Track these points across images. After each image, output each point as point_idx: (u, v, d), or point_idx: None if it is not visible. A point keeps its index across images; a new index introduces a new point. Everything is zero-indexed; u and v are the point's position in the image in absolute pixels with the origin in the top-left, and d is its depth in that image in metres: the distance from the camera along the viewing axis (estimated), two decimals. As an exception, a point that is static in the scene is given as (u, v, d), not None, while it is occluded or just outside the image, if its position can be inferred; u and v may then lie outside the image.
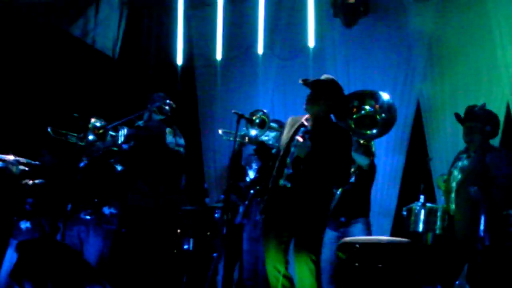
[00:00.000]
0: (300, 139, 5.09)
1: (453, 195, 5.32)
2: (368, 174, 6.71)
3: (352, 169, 6.48)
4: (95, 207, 6.42)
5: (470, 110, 5.58)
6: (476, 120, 5.41)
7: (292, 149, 5.14)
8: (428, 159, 6.09)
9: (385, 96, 6.93)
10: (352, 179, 6.56)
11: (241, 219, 6.22)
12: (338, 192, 6.43)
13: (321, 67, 9.01)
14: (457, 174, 5.38)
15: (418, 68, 8.68)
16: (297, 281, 4.99)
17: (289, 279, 5.04)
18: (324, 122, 5.28)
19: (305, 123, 5.29)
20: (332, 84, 5.33)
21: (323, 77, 5.45)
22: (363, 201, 6.74)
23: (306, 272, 4.91)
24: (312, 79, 5.37)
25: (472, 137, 5.44)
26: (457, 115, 5.66)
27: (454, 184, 5.37)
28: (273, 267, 5.05)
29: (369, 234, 6.69)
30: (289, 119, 5.52)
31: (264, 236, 5.20)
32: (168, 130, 6.33)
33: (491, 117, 5.46)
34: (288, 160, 5.13)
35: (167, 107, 6.31)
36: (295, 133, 5.25)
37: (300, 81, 5.33)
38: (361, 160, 6.52)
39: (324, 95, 5.24)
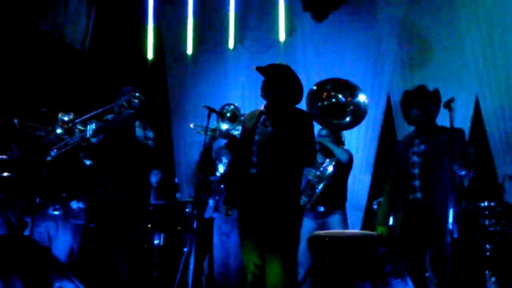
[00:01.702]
0: (262, 126, 5.09)
1: (417, 182, 5.28)
2: (346, 166, 6.74)
3: (333, 163, 6.55)
4: (63, 202, 6.37)
5: (423, 89, 5.52)
6: (429, 99, 5.37)
7: (256, 137, 5.13)
8: None
9: (362, 97, 6.96)
10: (331, 171, 6.57)
11: (211, 213, 6.20)
12: (320, 187, 6.46)
13: (291, 61, 8.92)
14: (417, 160, 5.33)
15: (388, 61, 8.74)
16: (268, 277, 4.97)
17: (261, 269, 5.02)
18: (282, 106, 5.26)
19: (264, 111, 5.27)
20: (285, 68, 5.31)
21: (276, 62, 5.43)
22: (341, 192, 6.77)
23: (277, 271, 4.89)
24: (265, 65, 5.35)
25: (425, 117, 5.37)
26: (407, 94, 5.57)
27: (416, 171, 5.31)
28: (248, 257, 5.04)
29: (346, 226, 6.76)
30: (246, 115, 5.52)
31: (239, 226, 5.19)
32: (137, 123, 6.27)
33: (436, 96, 5.42)
34: (254, 148, 5.10)
35: (136, 101, 6.24)
36: (257, 122, 5.22)
37: (254, 68, 5.30)
38: (340, 154, 6.54)
39: (278, 79, 5.22)
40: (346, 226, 6.71)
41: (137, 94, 6.25)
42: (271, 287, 4.86)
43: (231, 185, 5.37)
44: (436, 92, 5.42)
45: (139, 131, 6.25)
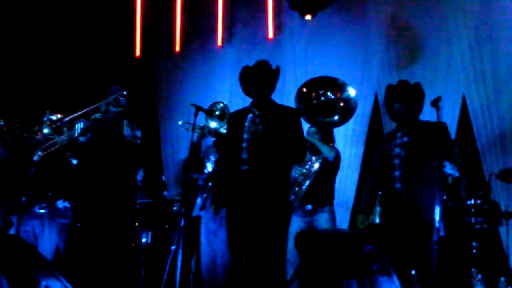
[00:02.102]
0: (252, 125, 5.11)
1: (397, 173, 5.29)
2: (333, 164, 6.76)
3: (319, 160, 6.55)
4: (49, 201, 6.35)
5: (406, 84, 5.54)
6: (410, 94, 5.39)
7: (245, 135, 5.16)
8: None
9: (351, 91, 6.99)
10: (317, 168, 6.58)
11: (199, 211, 6.20)
12: (307, 183, 6.48)
13: (280, 59, 9.02)
14: (399, 151, 5.34)
15: (376, 60, 8.75)
16: (257, 275, 4.99)
17: (250, 267, 5.03)
18: (269, 103, 5.34)
19: (251, 109, 5.31)
20: (263, 65, 5.40)
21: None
22: (329, 190, 6.79)
23: (265, 269, 4.92)
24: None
25: (407, 111, 5.39)
26: (389, 89, 5.60)
27: (397, 161, 5.32)
28: (237, 255, 5.07)
29: (334, 223, 6.79)
30: (230, 116, 5.62)
31: (228, 224, 5.21)
32: (125, 122, 6.27)
33: (417, 90, 5.45)
34: (244, 145, 5.15)
35: (123, 99, 6.24)
36: (245, 120, 5.26)
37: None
38: (327, 152, 6.55)
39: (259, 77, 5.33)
40: (334, 224, 6.74)
41: (124, 93, 6.24)
42: (260, 285, 4.88)
43: (219, 183, 5.37)
44: (417, 86, 5.44)
45: (127, 130, 6.25)
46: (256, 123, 5.12)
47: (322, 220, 6.61)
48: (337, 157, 6.78)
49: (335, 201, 7.68)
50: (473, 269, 6.84)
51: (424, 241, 4.83)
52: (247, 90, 5.44)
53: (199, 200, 6.24)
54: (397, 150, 5.31)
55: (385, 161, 5.38)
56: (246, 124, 5.22)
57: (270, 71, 5.41)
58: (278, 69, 5.41)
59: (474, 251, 7.02)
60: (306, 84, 6.94)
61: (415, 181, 5.13)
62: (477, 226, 6.93)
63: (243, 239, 5.08)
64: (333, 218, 6.81)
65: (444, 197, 6.81)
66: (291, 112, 5.41)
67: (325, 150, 6.58)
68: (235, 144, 5.22)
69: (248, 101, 5.56)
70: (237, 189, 5.13)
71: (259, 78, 5.34)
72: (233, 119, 5.46)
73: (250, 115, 5.26)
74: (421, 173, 5.15)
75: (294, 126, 5.31)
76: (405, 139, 5.31)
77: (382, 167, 5.47)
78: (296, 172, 6.43)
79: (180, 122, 6.64)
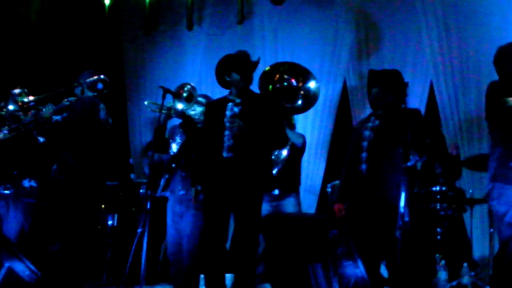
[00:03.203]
0: (233, 121, 5.18)
1: (364, 154, 5.31)
2: (300, 150, 6.82)
3: (288, 147, 6.59)
4: (14, 181, 6.30)
5: (384, 70, 5.56)
6: (388, 80, 5.41)
7: (227, 124, 5.22)
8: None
9: (312, 84, 7.04)
10: (286, 155, 6.63)
11: (161, 191, 6.20)
12: (275, 170, 6.52)
13: (249, 43, 9.06)
14: (368, 133, 5.37)
15: (345, 45, 8.80)
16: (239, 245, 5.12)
17: (223, 248, 5.18)
18: (248, 92, 5.43)
19: (230, 98, 5.38)
20: (247, 55, 5.48)
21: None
22: (295, 176, 6.85)
23: (247, 240, 5.07)
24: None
25: (382, 96, 5.40)
26: (371, 72, 5.59)
27: (365, 143, 5.34)
28: (211, 238, 5.18)
29: (300, 208, 6.89)
30: (207, 106, 5.69)
31: (206, 208, 5.29)
32: (102, 106, 6.26)
33: (397, 77, 5.48)
34: (227, 133, 5.21)
35: (101, 84, 6.22)
36: (224, 109, 5.33)
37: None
38: (295, 138, 6.63)
39: (244, 65, 5.41)
40: (300, 209, 6.81)
41: (101, 77, 6.22)
42: (243, 250, 5.07)
43: (200, 169, 5.40)
44: (395, 72, 5.46)
45: (102, 114, 6.24)
46: (236, 121, 5.16)
47: (288, 205, 6.69)
48: (304, 142, 6.87)
49: (303, 187, 7.79)
50: (437, 255, 6.94)
51: (388, 225, 4.86)
52: (223, 78, 5.48)
53: (162, 181, 6.23)
54: (367, 132, 5.33)
55: (357, 144, 5.40)
56: (228, 112, 5.29)
57: (253, 61, 5.49)
58: (258, 60, 5.49)
59: (439, 237, 7.12)
60: (271, 66, 6.98)
61: (380, 164, 5.15)
62: (442, 213, 7.03)
63: (222, 222, 5.19)
64: (299, 203, 6.89)
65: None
66: (270, 100, 5.57)
67: (293, 136, 6.66)
68: (216, 131, 5.27)
69: (217, 87, 5.61)
70: (221, 175, 5.18)
71: (244, 66, 5.39)
72: (212, 108, 5.52)
73: (229, 104, 5.33)
74: (387, 157, 5.17)
75: (275, 113, 5.42)
76: (377, 122, 5.33)
77: (354, 152, 5.49)
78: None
79: (146, 102, 6.63)
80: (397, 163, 4.97)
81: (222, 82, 5.51)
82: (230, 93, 5.45)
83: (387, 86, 5.36)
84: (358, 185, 5.23)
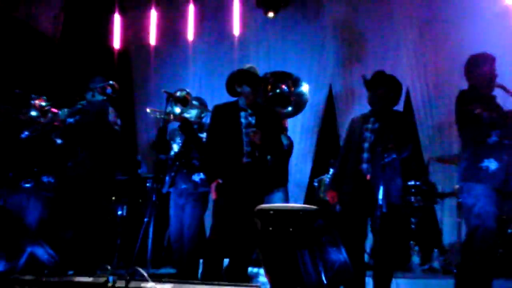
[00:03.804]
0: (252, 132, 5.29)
1: (365, 154, 5.30)
2: (288, 150, 6.90)
3: None
4: (34, 176, 6.37)
5: (381, 75, 5.49)
6: (386, 86, 5.36)
7: (245, 131, 5.31)
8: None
9: (305, 87, 7.11)
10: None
11: (167, 188, 6.27)
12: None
13: (244, 53, 9.15)
14: (369, 135, 5.34)
15: (331, 56, 8.90)
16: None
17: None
18: (257, 104, 5.50)
19: (242, 106, 5.45)
20: (252, 71, 5.54)
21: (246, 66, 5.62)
22: (283, 173, 6.91)
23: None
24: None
25: (382, 102, 5.35)
26: (364, 78, 5.49)
27: (366, 145, 5.32)
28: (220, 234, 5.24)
29: (287, 202, 7.03)
30: (216, 109, 5.57)
31: (222, 209, 5.29)
32: (111, 109, 6.34)
33: (397, 83, 5.45)
34: (245, 139, 5.30)
35: (110, 89, 6.28)
36: (238, 117, 5.39)
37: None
38: (283, 140, 6.70)
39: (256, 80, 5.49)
40: (287, 202, 7.02)
41: (110, 82, 6.28)
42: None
43: (214, 169, 5.44)
44: (390, 78, 5.44)
45: (112, 116, 6.31)
46: (257, 130, 5.28)
47: (276, 199, 6.81)
48: (290, 144, 6.99)
49: (293, 182, 7.89)
50: (411, 242, 7.05)
51: (388, 222, 4.95)
52: (233, 88, 5.50)
53: (167, 178, 6.29)
54: (368, 134, 5.31)
55: (355, 142, 5.39)
56: (243, 120, 5.36)
57: (260, 77, 5.65)
58: (264, 76, 5.67)
59: (413, 226, 7.23)
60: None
61: (379, 164, 5.14)
62: (416, 204, 7.15)
63: (230, 224, 5.24)
64: (286, 198, 7.06)
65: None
66: (275, 113, 5.70)
67: (283, 138, 6.73)
68: (232, 137, 5.34)
69: (216, 89, 5.66)
70: (240, 178, 5.26)
71: (254, 81, 5.44)
72: (222, 112, 5.50)
73: (243, 113, 5.39)
74: (384, 157, 5.16)
75: (279, 124, 5.73)
76: (376, 125, 5.31)
77: (351, 147, 5.48)
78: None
79: (148, 110, 6.66)
80: (393, 163, 5.07)
81: (231, 92, 5.53)
82: (240, 103, 5.48)
83: (381, 90, 5.35)
84: (357, 183, 5.27)
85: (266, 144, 5.31)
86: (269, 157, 5.50)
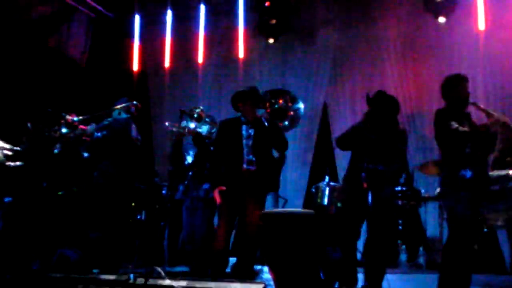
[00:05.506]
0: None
1: (365, 164, 5.27)
2: (280, 160, 6.89)
3: None
4: (65, 185, 6.41)
5: (382, 95, 5.42)
6: (386, 104, 5.35)
7: (245, 141, 5.44)
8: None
9: (301, 105, 7.15)
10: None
11: (181, 195, 6.31)
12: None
13: (248, 75, 9.21)
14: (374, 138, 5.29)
15: (325, 76, 8.94)
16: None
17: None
18: (258, 120, 5.60)
19: (243, 120, 5.59)
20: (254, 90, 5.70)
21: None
22: (274, 180, 6.89)
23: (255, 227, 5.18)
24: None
25: (381, 118, 5.32)
26: (368, 97, 5.40)
27: (370, 147, 5.29)
28: (225, 227, 5.37)
29: (276, 205, 7.19)
30: (221, 124, 5.79)
31: (223, 208, 5.42)
32: (133, 126, 6.40)
33: (395, 102, 5.44)
34: (246, 149, 5.42)
35: (133, 108, 6.33)
36: (239, 130, 5.51)
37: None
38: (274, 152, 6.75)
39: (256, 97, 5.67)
40: (276, 205, 7.18)
41: (134, 102, 6.34)
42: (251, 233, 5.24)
43: (217, 176, 5.54)
44: (390, 98, 5.44)
45: (134, 132, 6.37)
46: (250, 135, 5.46)
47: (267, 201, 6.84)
48: (281, 155, 6.99)
49: (291, 188, 7.90)
50: (399, 241, 7.05)
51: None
52: (237, 106, 5.68)
53: (181, 187, 6.33)
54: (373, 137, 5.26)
55: (360, 150, 5.36)
56: (244, 133, 5.50)
57: (260, 95, 5.87)
58: (265, 95, 5.92)
59: (400, 227, 7.23)
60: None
61: (379, 171, 5.14)
62: (403, 207, 7.17)
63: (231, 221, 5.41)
64: (276, 201, 7.23)
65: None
66: (274, 123, 5.85)
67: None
68: (234, 146, 5.46)
69: (223, 106, 5.69)
70: (240, 182, 5.36)
71: (255, 98, 5.64)
72: (226, 126, 5.68)
73: (244, 126, 5.53)
74: (385, 160, 5.14)
75: (275, 127, 5.72)
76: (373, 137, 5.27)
77: (357, 155, 5.38)
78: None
79: (167, 123, 6.71)
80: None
81: (236, 108, 5.70)
82: (241, 116, 5.63)
83: (386, 109, 5.32)
84: (357, 189, 5.15)
85: (264, 151, 5.47)
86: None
